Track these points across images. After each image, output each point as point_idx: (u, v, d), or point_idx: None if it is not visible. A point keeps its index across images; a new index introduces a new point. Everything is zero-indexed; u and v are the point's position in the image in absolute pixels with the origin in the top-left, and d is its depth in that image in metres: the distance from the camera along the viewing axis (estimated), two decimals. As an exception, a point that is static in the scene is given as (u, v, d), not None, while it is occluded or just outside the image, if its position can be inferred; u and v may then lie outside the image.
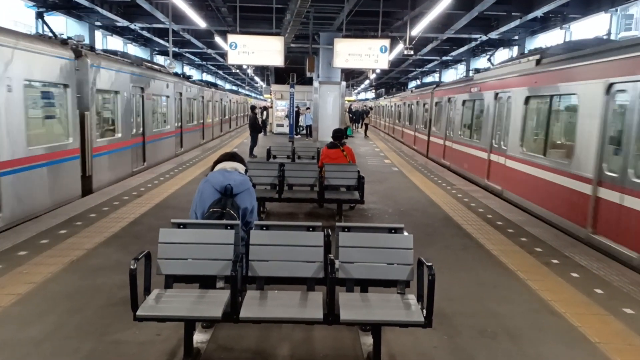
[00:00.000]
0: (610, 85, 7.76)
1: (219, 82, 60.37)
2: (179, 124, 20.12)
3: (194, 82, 24.68)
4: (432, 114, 21.04)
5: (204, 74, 51.34)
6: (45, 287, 5.37)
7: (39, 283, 5.47)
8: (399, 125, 31.48)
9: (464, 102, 16.03)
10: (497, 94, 12.87)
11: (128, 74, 13.63)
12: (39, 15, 10.56)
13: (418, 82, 51.40)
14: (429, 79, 48.94)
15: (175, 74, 21.05)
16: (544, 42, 23.43)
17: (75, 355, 4.06)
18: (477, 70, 17.37)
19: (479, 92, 14.41)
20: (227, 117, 35.48)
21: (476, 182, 13.71)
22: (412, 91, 28.65)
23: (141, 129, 14.69)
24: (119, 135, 12.91)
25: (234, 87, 63.51)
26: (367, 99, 64.92)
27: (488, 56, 22.39)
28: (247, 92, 72.54)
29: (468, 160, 14.98)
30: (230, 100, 37.07)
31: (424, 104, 22.82)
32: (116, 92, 12.82)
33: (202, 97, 25.28)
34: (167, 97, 18.00)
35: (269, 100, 37.13)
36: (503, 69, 13.39)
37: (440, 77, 41.11)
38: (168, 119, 18.26)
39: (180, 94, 20.12)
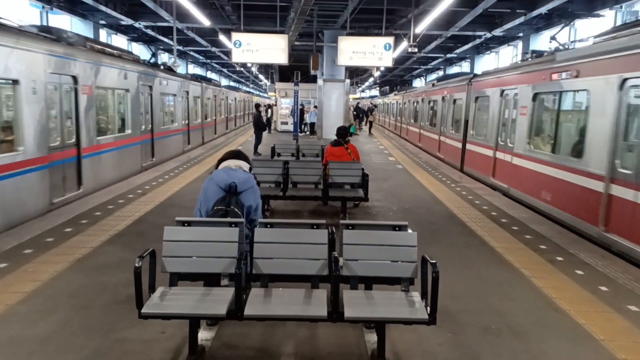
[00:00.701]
0: None
1: (223, 80, 60.38)
2: (149, 127, 15.53)
3: (174, 73, 19.70)
4: (469, 113, 15.77)
5: (209, 72, 51.41)
6: (51, 285, 5.40)
7: (44, 281, 5.50)
8: (415, 126, 26.21)
9: (535, 96, 10.78)
10: (624, 82, 7.60)
11: (40, 54, 8.96)
12: None
13: (423, 79, 51.34)
14: (432, 76, 48.84)
15: (147, 63, 16.90)
16: (548, 40, 23.41)
17: (80, 352, 4.08)
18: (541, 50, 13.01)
19: (573, 80, 9.15)
20: (223, 116, 31.05)
21: (574, 226, 8.64)
22: (433, 84, 22.93)
23: (74, 137, 10.39)
24: (20, 149, 8.43)
25: (234, 84, 62.88)
26: (375, 96, 64.26)
27: (563, 26, 15.60)
28: (249, 90, 72.19)
29: (553, 188, 9.57)
30: (227, 98, 32.63)
31: (455, 101, 17.75)
32: (15, 82, 8.32)
33: (187, 92, 20.75)
34: (126, 91, 13.60)
35: (273, 98, 37.08)
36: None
37: (444, 73, 41.00)
38: (128, 121, 13.79)
39: (151, 87, 15.61)
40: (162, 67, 18.59)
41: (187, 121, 20.76)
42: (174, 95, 18.75)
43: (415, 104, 26.77)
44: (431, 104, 22.24)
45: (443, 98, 19.56)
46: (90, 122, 11.10)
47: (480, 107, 14.97)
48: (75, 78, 10.39)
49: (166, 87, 17.52)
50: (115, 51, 13.69)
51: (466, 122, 15.95)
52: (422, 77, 51.86)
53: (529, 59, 12.33)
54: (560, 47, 11.73)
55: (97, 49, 12.16)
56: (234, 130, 33.89)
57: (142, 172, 13.72)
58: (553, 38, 12.54)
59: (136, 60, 15.19)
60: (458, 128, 17.05)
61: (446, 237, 7.73)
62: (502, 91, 12.81)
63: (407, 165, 15.90)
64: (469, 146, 15.56)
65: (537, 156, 10.43)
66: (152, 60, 18.27)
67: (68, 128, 10.24)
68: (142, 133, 14.75)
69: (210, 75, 51.10)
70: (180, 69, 25.36)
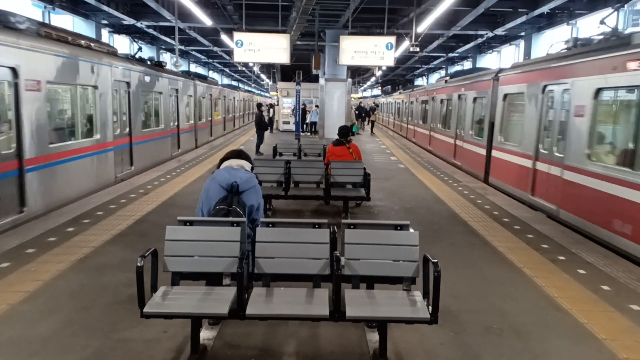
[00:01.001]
0: None
1: (225, 79, 60.36)
2: (126, 130, 13.29)
3: (161, 69, 17.31)
4: (495, 114, 13.29)
5: (210, 72, 51.44)
6: (53, 285, 5.41)
7: (46, 281, 5.51)
8: (424, 128, 23.82)
9: (598, 91, 8.32)
10: None
11: None
12: None
13: (425, 78, 51.28)
14: (435, 75, 48.78)
15: (129, 57, 14.72)
16: (551, 39, 23.40)
17: (82, 352, 4.09)
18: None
19: None
20: (220, 117, 28.79)
21: None
22: (446, 81, 20.45)
23: (14, 146, 8.26)
24: None
25: (235, 83, 62.72)
26: (378, 95, 64.09)
27: (614, 10, 12.72)
28: (250, 89, 71.97)
29: (637, 218, 7.06)
30: (224, 97, 30.47)
31: (475, 99, 15.36)
32: None
33: (176, 90, 18.50)
34: (95, 88, 11.32)
35: (275, 97, 37.06)
36: None
37: (446, 72, 40.97)
38: (97, 123, 11.45)
39: (128, 84, 13.47)
40: (148, 62, 16.57)
41: (176, 122, 18.64)
42: (160, 93, 16.58)
43: (423, 103, 24.39)
44: (444, 103, 19.88)
45: (459, 96, 17.18)
46: (39, 126, 8.86)
47: (511, 106, 12.59)
48: (14, 70, 8.19)
49: (149, 84, 15.40)
50: (83, 41, 11.35)
51: (491, 124, 13.53)
52: (424, 77, 51.85)
53: (572, 48, 10.03)
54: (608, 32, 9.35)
55: (55, 37, 9.91)
56: (232, 132, 32.31)
57: (116, 183, 11.81)
58: (602, 22, 9.87)
59: (112, 52, 12.91)
60: (480, 131, 14.67)
61: (448, 237, 7.72)
62: (544, 87, 10.29)
63: (409, 165, 15.90)
64: (495, 153, 13.00)
65: (606, 172, 7.82)
66: (138, 54, 16.37)
67: (7, 134, 8.19)
68: (116, 137, 12.52)
69: (212, 74, 51.09)
70: (183, 69, 25.26)
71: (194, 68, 44.25)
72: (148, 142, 15.13)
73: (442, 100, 20.15)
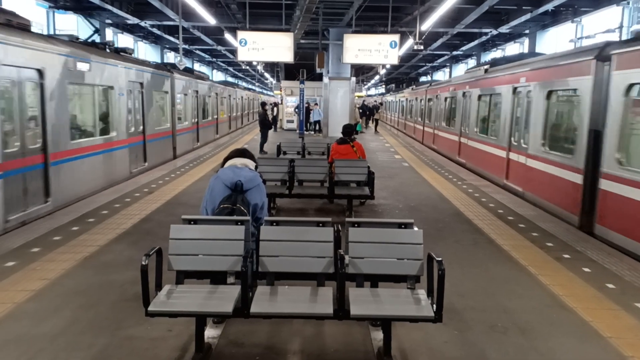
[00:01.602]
0: None
1: (229, 78, 60.36)
2: (34, 144, 8.67)
3: (117, 56, 12.86)
4: (605, 119, 8.02)
5: (214, 71, 51.46)
6: (58, 283, 5.43)
7: (52, 279, 5.53)
8: (450, 132, 18.85)
9: None
10: None
11: None
12: None
13: (429, 76, 51.15)
14: (438, 74, 48.68)
15: (48, 35, 11.11)
16: (555, 36, 23.35)
17: (89, 350, 4.11)
18: None
19: None
20: (210, 118, 24.91)
21: None
22: (486, 70, 15.05)
23: None
24: None
25: (235, 81, 62.48)
26: (383, 93, 63.86)
27: None
28: (251, 87, 71.75)
29: None
30: (216, 94, 26.54)
31: (550, 94, 10.27)
32: None
33: (141, 84, 14.19)
34: None
35: (279, 96, 36.99)
36: None
37: (450, 73, 40.92)
38: None
39: (41, 73, 8.80)
40: (108, 49, 12.76)
41: (141, 127, 14.19)
42: (112, 88, 12.13)
43: (448, 100, 19.64)
44: (483, 100, 15.03)
45: (515, 90, 12.16)
46: None
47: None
48: None
49: (90, 75, 10.88)
50: None
51: (595, 134, 8.40)
52: (428, 75, 51.79)
53: None
54: None
55: None
56: (228, 134, 28.95)
57: (7, 231, 7.53)
58: None
59: (18, 26, 8.64)
60: (563, 143, 9.87)
61: (452, 235, 7.71)
62: None
63: (413, 163, 15.87)
64: (610, 186, 7.79)
65: None
66: (96, 38, 12.62)
67: None
68: (11, 157, 7.90)
69: (216, 74, 51.06)
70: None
71: (199, 67, 44.32)
72: (84, 158, 10.55)
73: (480, 97, 15.23)
